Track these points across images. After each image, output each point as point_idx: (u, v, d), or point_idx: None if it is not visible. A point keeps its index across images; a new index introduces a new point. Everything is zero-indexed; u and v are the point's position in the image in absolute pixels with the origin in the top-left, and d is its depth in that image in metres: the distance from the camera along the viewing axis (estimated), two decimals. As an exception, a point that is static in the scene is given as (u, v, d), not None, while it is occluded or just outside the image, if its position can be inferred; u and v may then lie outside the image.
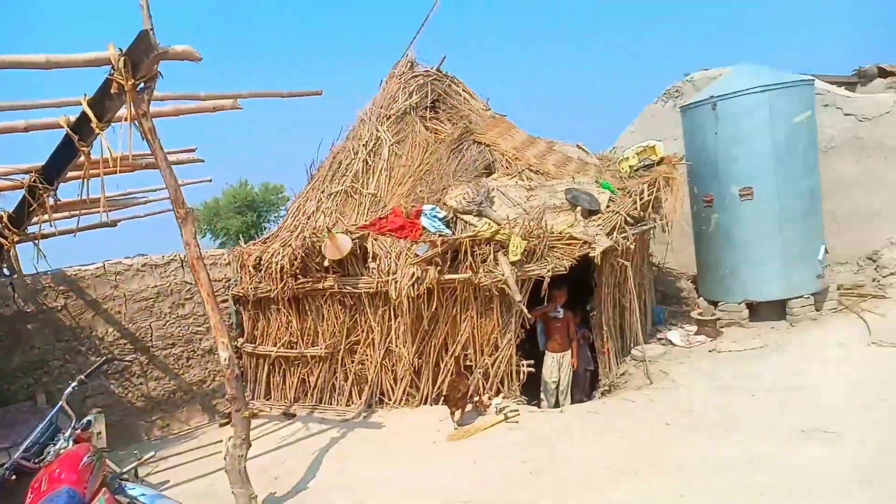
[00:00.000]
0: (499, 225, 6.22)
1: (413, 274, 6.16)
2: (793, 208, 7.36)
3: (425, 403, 6.66)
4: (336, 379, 7.01)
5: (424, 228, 6.42)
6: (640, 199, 6.92)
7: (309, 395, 7.28)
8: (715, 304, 8.02)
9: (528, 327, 6.51)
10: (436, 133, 7.80)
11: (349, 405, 6.95)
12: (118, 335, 7.23)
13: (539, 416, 6.00)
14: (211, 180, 7.81)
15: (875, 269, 8.55)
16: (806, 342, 6.87)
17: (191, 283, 7.61)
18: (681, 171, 8.24)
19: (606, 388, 7.21)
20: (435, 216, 6.42)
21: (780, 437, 4.74)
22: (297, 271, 6.78)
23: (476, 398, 6.19)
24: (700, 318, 7.60)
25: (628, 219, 6.76)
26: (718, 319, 7.63)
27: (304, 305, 7.11)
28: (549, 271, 6.13)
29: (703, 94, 7.74)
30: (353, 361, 6.90)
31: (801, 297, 7.51)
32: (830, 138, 8.87)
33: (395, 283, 6.22)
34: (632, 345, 7.60)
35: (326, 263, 6.46)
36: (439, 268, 6.14)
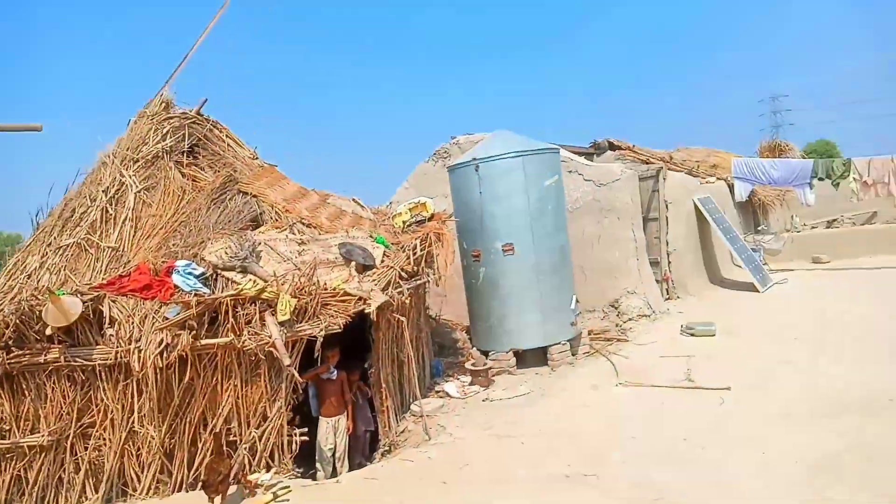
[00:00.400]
0: (265, 282, 5.72)
1: (161, 341, 5.33)
2: (547, 262, 8.01)
3: (180, 490, 5.71)
4: (65, 471, 5.71)
5: (177, 287, 5.65)
6: (414, 254, 6.95)
7: (28, 494, 5.83)
8: (487, 353, 8.32)
9: (301, 392, 6.02)
10: (194, 181, 7.08)
11: (82, 501, 5.68)
12: None
13: (313, 491, 5.49)
14: None
15: (617, 315, 9.68)
16: (566, 386, 7.39)
17: None
18: (451, 227, 8.56)
19: (387, 447, 6.95)
20: (190, 273, 5.70)
21: (547, 484, 4.87)
22: (10, 342, 5.49)
23: (240, 478, 5.46)
24: (473, 368, 7.80)
25: (403, 273, 6.72)
26: (490, 368, 7.90)
27: (19, 384, 5.75)
28: (322, 330, 5.75)
29: (467, 156, 8.20)
30: (86, 448, 5.70)
31: (558, 343, 8.13)
32: (576, 200, 10.01)
33: (140, 351, 5.31)
34: (411, 400, 7.50)
35: (49, 332, 5.32)
36: (194, 332, 5.41)
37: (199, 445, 5.74)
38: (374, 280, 6.49)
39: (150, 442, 5.63)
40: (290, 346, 5.75)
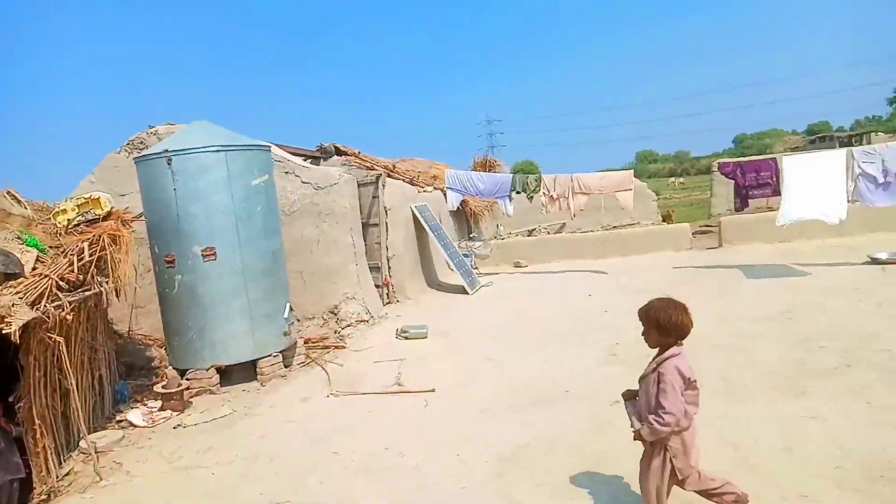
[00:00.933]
0: None
1: None
2: (256, 268, 7.35)
3: None
4: None
5: None
6: (80, 260, 5.71)
7: None
8: (185, 372, 7.31)
9: None
10: None
11: None
12: None
13: None
14: None
15: (336, 321, 9.40)
16: (274, 402, 6.80)
17: None
18: (141, 228, 7.37)
19: (44, 495, 5.55)
20: None
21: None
22: None
23: None
24: (164, 391, 6.74)
25: (62, 284, 5.45)
26: (186, 389, 6.92)
27: None
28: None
29: (159, 147, 7.13)
30: None
31: (269, 355, 7.50)
32: (293, 203, 9.50)
33: None
34: (80, 436, 6.16)
35: None
36: None
37: None
38: (19, 293, 5.14)
39: None
40: None
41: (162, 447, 5.87)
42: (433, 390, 6.48)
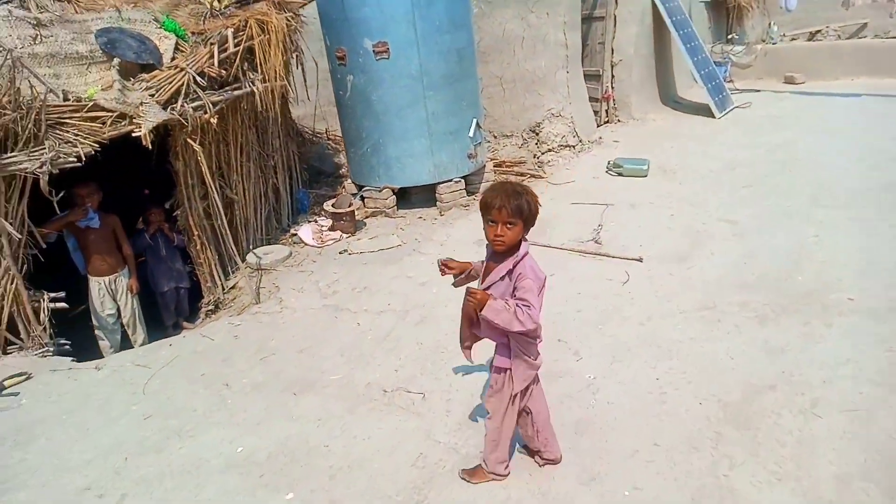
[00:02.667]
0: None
1: None
2: (437, 72, 5.91)
3: None
4: None
5: None
6: (223, 51, 4.79)
7: None
8: (361, 188, 6.56)
9: (44, 246, 4.25)
10: None
11: None
12: None
13: (58, 379, 3.94)
14: None
15: (537, 143, 7.84)
16: (447, 237, 5.78)
17: None
18: (304, 15, 6.24)
19: (211, 307, 5.45)
20: None
21: (353, 404, 3.41)
22: None
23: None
24: (334, 209, 6.05)
25: (200, 80, 4.61)
26: (355, 210, 6.16)
27: None
28: (45, 165, 3.81)
29: None
30: None
31: (450, 180, 6.36)
32: (496, -15, 7.56)
33: None
34: (251, 246, 5.85)
35: None
36: None
37: None
38: (150, 88, 4.41)
39: None
40: (4, 185, 3.87)
41: (321, 275, 5.27)
42: (640, 259, 4.86)
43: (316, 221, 6.28)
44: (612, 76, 8.86)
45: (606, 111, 8.97)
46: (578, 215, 5.91)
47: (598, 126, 8.52)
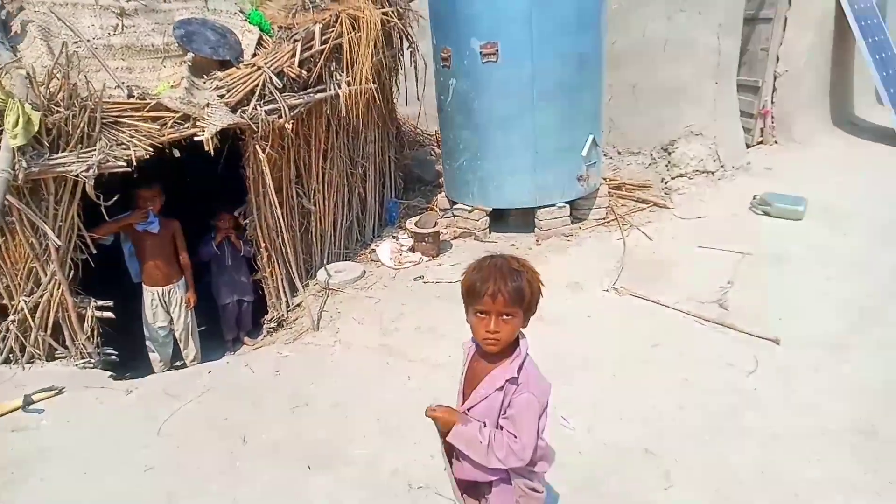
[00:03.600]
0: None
1: None
2: (551, 78, 5.07)
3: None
4: None
5: None
6: (308, 48, 4.29)
7: None
8: (454, 204, 5.90)
9: (96, 250, 4.03)
10: None
11: None
12: None
13: (84, 406, 3.69)
14: None
15: (667, 164, 6.71)
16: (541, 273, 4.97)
17: None
18: (417, 11, 5.64)
19: (274, 325, 5.07)
20: None
21: (369, 497, 2.78)
22: None
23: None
24: (416, 229, 5.44)
25: (276, 81, 4.15)
26: (449, 227, 5.51)
27: None
28: (92, 168, 3.53)
29: None
30: None
31: (553, 205, 5.51)
32: (641, -20, 6.50)
33: None
34: (325, 260, 5.42)
35: None
36: None
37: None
38: (221, 88, 4.02)
39: None
40: (51, 187, 3.65)
41: (388, 305, 4.70)
42: (777, 341, 3.76)
43: (397, 238, 5.71)
44: (774, 89, 7.44)
45: (761, 130, 7.57)
46: (704, 264, 4.83)
47: (747, 148, 7.18)
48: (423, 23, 5.87)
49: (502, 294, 1.71)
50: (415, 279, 5.07)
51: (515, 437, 1.76)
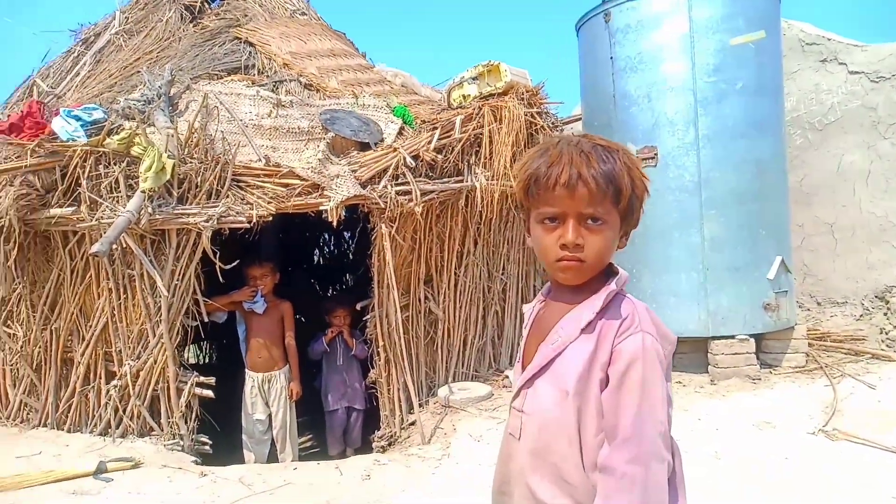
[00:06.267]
0: (142, 133, 3.59)
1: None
2: (724, 184, 4.40)
3: (44, 425, 4.03)
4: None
5: (53, 133, 3.86)
6: (447, 135, 4.15)
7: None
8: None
9: (207, 319, 3.82)
10: (203, 30, 5.31)
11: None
12: None
13: (151, 484, 3.24)
14: None
15: (886, 312, 5.35)
16: (707, 419, 3.82)
17: None
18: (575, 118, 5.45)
19: (385, 442, 4.38)
20: (78, 117, 3.86)
21: None
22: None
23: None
24: (558, 350, 4.65)
25: (410, 162, 3.98)
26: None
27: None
28: (212, 220, 3.45)
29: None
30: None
31: (732, 337, 4.46)
32: (829, 109, 5.80)
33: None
34: (449, 379, 4.76)
35: None
36: (26, 197, 3.55)
37: (74, 365, 3.96)
38: (354, 163, 3.93)
39: (14, 348, 4.04)
40: (173, 240, 3.60)
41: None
42: None
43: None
44: None
45: None
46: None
47: None
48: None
49: (585, 182, 1.09)
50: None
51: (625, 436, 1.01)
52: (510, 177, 4.43)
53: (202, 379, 3.83)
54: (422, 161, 4.09)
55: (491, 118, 4.25)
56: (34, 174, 3.58)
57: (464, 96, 4.66)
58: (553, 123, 5.13)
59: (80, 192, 3.59)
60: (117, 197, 3.51)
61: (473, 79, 4.61)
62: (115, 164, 3.53)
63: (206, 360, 7.11)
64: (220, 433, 4.06)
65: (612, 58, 4.67)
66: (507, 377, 4.87)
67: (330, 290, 7.75)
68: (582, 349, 1.09)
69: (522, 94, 4.51)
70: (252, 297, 3.88)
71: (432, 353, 4.69)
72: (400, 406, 4.35)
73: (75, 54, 5.06)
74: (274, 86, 4.53)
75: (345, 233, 7.83)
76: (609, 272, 1.16)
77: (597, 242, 1.10)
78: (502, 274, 5.16)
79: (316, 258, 8.15)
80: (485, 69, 4.58)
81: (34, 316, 3.96)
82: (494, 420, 3.99)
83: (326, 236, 8.13)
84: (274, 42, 4.90)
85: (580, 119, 5.44)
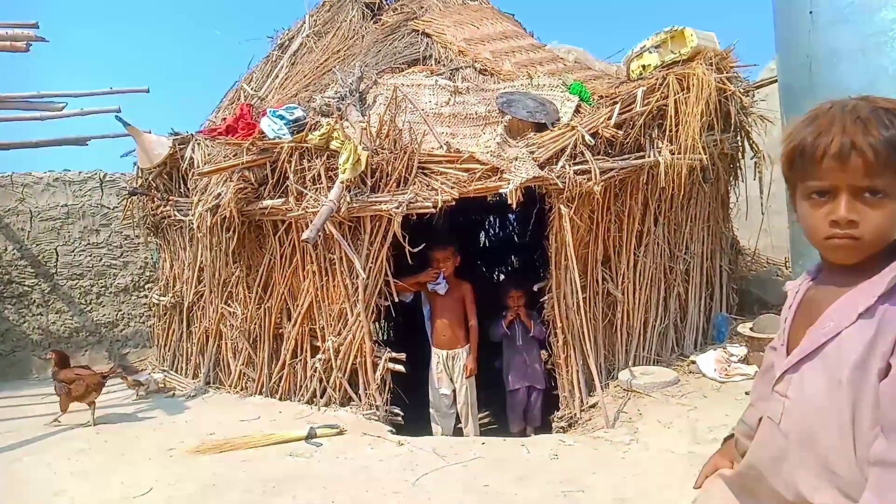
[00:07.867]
0: (339, 129, 3.88)
1: (220, 195, 4.13)
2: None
3: (260, 393, 4.58)
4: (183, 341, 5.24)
5: (262, 133, 4.31)
6: (628, 110, 3.99)
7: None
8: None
9: (398, 300, 4.08)
10: (383, 26, 5.59)
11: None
12: (18, 255, 6.33)
13: (355, 448, 3.56)
14: (148, 90, 6.45)
15: None
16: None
17: (108, 207, 6.47)
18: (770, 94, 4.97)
19: (565, 423, 4.40)
20: (280, 116, 4.27)
21: None
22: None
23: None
24: (753, 334, 4.33)
25: (590, 140, 3.88)
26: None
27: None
28: (401, 207, 3.66)
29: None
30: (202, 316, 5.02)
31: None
32: None
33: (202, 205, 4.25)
34: (629, 363, 4.64)
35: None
36: (243, 190, 4.01)
37: (284, 340, 4.44)
38: (531, 145, 3.93)
39: (237, 322, 4.62)
40: (367, 226, 3.87)
41: (706, 413, 3.71)
42: None
43: (725, 349, 4.62)
44: None
45: None
46: None
47: None
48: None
49: (860, 151, 0.96)
50: (747, 393, 3.90)
51: None
52: (699, 149, 4.16)
53: (394, 354, 4.11)
54: (601, 138, 3.98)
55: (677, 87, 4.01)
56: (249, 170, 4.02)
57: (643, 66, 4.44)
58: (745, 89, 4.72)
59: (287, 185, 4.00)
60: (319, 188, 3.85)
61: (656, 47, 4.37)
62: (316, 157, 3.87)
63: (385, 338, 7.62)
64: (408, 405, 4.34)
65: (811, 12, 4.16)
66: (693, 362, 4.63)
67: (496, 273, 7.90)
68: (859, 336, 1.00)
69: (711, 58, 4.19)
70: (435, 279, 4.07)
71: (610, 336, 4.58)
72: (579, 388, 4.32)
73: (273, 59, 5.60)
74: (451, 74, 4.66)
75: (510, 215, 7.92)
76: (893, 251, 1.04)
77: (875, 218, 0.99)
78: (685, 254, 4.90)
79: (482, 241, 8.34)
80: (668, 35, 4.32)
81: (250, 296, 4.49)
82: (684, 407, 3.82)
83: (492, 219, 8.27)
84: (449, 31, 5.03)
85: (775, 81, 4.93)
